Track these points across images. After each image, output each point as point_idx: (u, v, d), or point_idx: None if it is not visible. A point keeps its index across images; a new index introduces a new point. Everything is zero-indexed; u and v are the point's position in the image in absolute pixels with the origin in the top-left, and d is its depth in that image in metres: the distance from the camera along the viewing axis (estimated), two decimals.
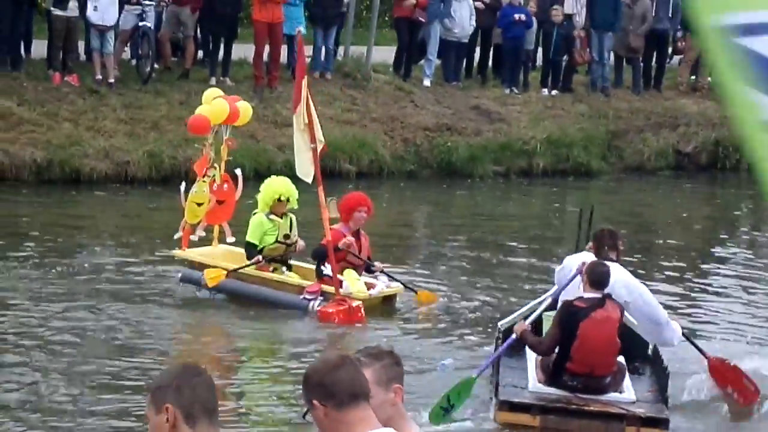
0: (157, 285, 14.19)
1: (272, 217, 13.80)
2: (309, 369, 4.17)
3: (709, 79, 25.78)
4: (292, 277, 13.87)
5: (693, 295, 15.31)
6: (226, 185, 14.32)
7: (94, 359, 11.47)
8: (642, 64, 26.05)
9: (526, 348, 10.75)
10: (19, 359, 11.28)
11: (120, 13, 20.99)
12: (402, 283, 14.05)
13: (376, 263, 13.95)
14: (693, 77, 26.66)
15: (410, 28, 23.77)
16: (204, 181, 14.15)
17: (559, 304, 10.60)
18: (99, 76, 20.94)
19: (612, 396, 10.34)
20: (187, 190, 14.18)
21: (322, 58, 23.00)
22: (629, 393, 10.41)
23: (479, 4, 24.26)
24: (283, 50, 22.35)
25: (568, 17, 24.81)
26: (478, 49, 25.32)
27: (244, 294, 13.69)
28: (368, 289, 13.58)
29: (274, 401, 10.68)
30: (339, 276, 13.34)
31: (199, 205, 14.12)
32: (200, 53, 22.73)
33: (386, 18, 27.76)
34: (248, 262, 13.76)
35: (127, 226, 17.63)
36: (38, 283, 13.83)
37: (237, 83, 21.66)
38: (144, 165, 19.87)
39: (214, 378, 4.11)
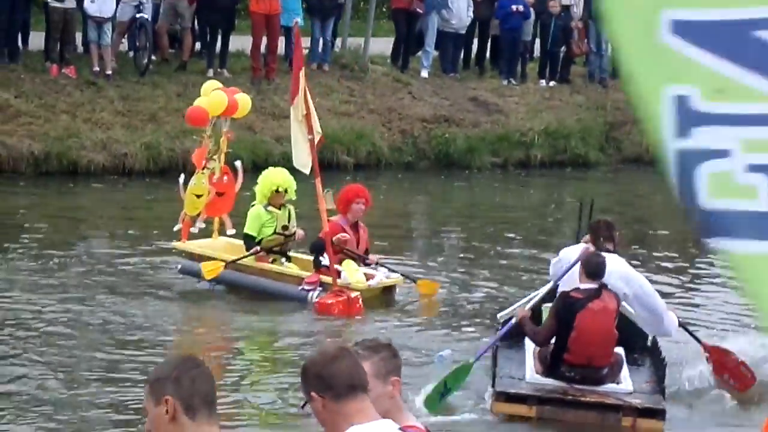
0: (155, 277, 14.19)
1: (270, 208, 13.80)
2: (307, 361, 4.18)
3: None
4: (291, 268, 13.87)
5: (690, 284, 15.33)
6: (225, 177, 14.31)
7: (92, 351, 11.47)
8: None
9: (525, 339, 10.77)
10: (15, 351, 11.28)
11: (117, 4, 20.98)
12: (401, 274, 14.06)
13: (371, 256, 13.94)
14: None
15: (408, 20, 23.76)
16: (203, 173, 14.15)
17: (557, 294, 10.62)
18: (96, 68, 20.93)
19: (609, 387, 10.36)
20: (186, 182, 14.17)
21: (320, 49, 22.99)
22: (626, 384, 10.43)
23: None
24: (281, 42, 22.33)
25: (566, 8, 24.82)
26: (475, 41, 25.31)
27: (244, 285, 13.70)
28: (367, 279, 13.58)
29: (272, 393, 10.69)
30: (338, 266, 13.34)
31: (199, 196, 14.12)
32: (198, 45, 22.71)
33: (384, 9, 27.74)
34: (246, 254, 13.77)
35: (124, 218, 17.63)
36: (35, 275, 13.83)
37: (234, 75, 21.64)
38: (141, 157, 19.86)
39: (213, 370, 4.11)
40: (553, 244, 15.86)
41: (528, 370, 10.57)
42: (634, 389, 10.39)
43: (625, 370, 10.61)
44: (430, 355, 11.54)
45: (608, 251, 10.77)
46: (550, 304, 10.69)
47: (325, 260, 13.40)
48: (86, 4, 20.58)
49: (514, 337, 10.98)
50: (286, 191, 13.78)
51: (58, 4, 20.48)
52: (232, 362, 11.83)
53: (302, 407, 4.18)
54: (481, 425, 10.15)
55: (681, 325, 11.23)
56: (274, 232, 13.82)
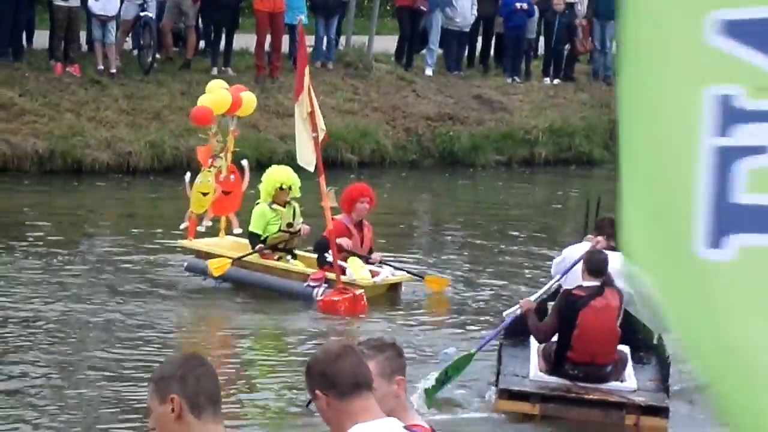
0: (159, 275, 14.19)
1: (275, 206, 13.81)
2: (311, 359, 4.18)
3: None
4: (296, 266, 13.88)
5: None
6: (232, 176, 14.32)
7: (96, 349, 11.48)
8: None
9: (531, 337, 10.77)
10: (20, 349, 11.28)
11: (122, 3, 20.99)
12: (407, 271, 14.07)
13: (374, 255, 13.94)
14: None
15: (412, 18, 23.76)
16: (209, 171, 14.15)
17: (560, 292, 10.63)
18: (101, 67, 20.93)
19: (613, 385, 10.35)
20: (192, 180, 14.18)
21: (324, 47, 22.99)
22: (630, 382, 10.42)
23: None
24: (285, 40, 22.34)
25: (570, 6, 24.81)
26: (480, 38, 25.30)
27: (249, 282, 13.71)
28: (372, 277, 13.60)
29: (277, 391, 10.69)
30: (343, 263, 13.35)
31: (205, 194, 14.12)
32: (202, 43, 22.72)
33: (388, 7, 27.74)
34: (252, 250, 13.78)
35: (129, 217, 17.64)
36: (40, 273, 13.84)
37: (239, 73, 21.65)
38: (146, 155, 19.87)
39: (217, 368, 4.12)
40: (558, 242, 15.86)
41: (532, 367, 10.57)
42: (638, 387, 10.39)
43: (629, 368, 10.61)
44: (434, 353, 11.53)
45: (612, 249, 10.76)
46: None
47: (330, 257, 13.39)
48: (90, 2, 20.59)
49: (519, 335, 10.99)
50: (290, 189, 13.79)
51: (62, 3, 20.49)
52: (237, 361, 11.83)
53: (307, 405, 4.18)
54: (485, 423, 10.15)
55: None
56: (279, 230, 13.84)
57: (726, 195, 2.51)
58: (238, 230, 14.34)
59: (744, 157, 2.51)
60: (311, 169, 13.36)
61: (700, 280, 2.53)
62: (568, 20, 24.65)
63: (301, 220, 14.00)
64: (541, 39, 25.39)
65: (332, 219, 13.37)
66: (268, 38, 21.91)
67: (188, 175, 14.32)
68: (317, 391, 4.07)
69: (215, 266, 13.57)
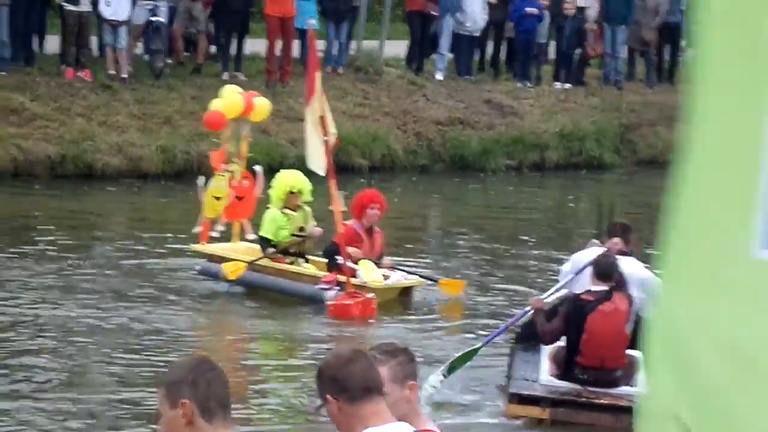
0: (169, 280, 14.20)
1: (286, 211, 13.82)
2: (322, 363, 4.17)
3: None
4: (308, 269, 13.89)
5: None
6: (246, 181, 14.32)
7: (106, 354, 11.49)
8: (655, 57, 26.01)
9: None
10: (30, 353, 11.29)
11: (133, 8, 21.02)
12: (420, 276, 14.08)
13: (384, 260, 13.93)
14: None
15: (422, 22, 23.76)
16: (222, 175, 14.16)
17: (569, 297, 10.64)
18: (112, 72, 20.96)
19: (623, 389, 10.33)
20: (206, 184, 14.19)
21: (335, 52, 23.00)
22: (642, 386, 10.37)
23: None
24: (296, 45, 22.35)
25: (581, 10, 24.78)
26: (490, 43, 25.29)
27: (261, 285, 13.72)
28: (384, 279, 13.62)
29: (287, 396, 10.69)
30: (354, 265, 13.36)
31: (218, 199, 14.13)
32: (213, 48, 22.74)
33: (398, 12, 27.72)
34: (265, 254, 13.79)
35: (139, 221, 17.65)
36: (50, 278, 13.85)
37: (249, 78, 21.66)
38: (157, 160, 19.89)
39: (227, 372, 4.11)
40: (569, 246, 15.83)
41: (542, 372, 10.56)
42: None
43: (641, 373, 10.58)
44: (445, 358, 11.50)
45: (623, 254, 10.75)
46: None
47: (340, 260, 13.38)
48: (101, 7, 20.63)
49: (531, 339, 10.98)
50: (300, 193, 13.80)
51: (73, 8, 20.52)
52: (247, 365, 11.83)
53: (317, 410, 4.18)
54: (495, 428, 10.15)
55: None
56: (291, 235, 13.85)
57: None
58: (251, 236, 14.33)
59: None
60: (321, 173, 13.37)
61: (753, 283, 2.53)
62: (578, 24, 24.62)
63: (314, 223, 14.00)
64: (552, 43, 25.35)
65: (343, 224, 13.37)
66: (279, 43, 21.92)
67: (202, 178, 14.32)
68: (328, 396, 4.07)
69: (230, 269, 13.56)
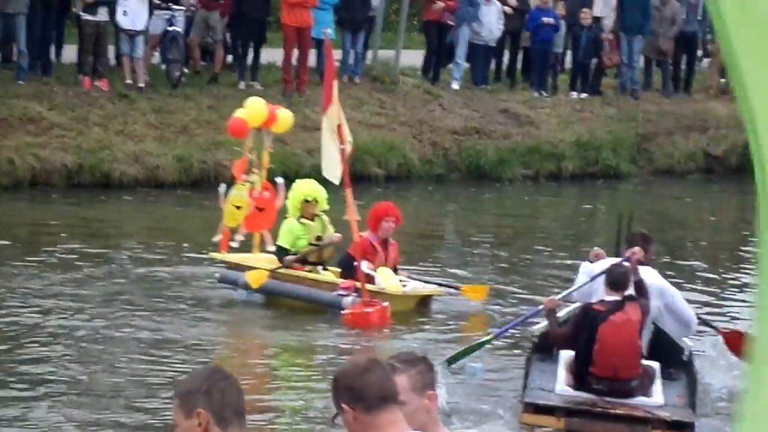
0: (186, 289, 14.21)
1: (303, 220, 13.84)
2: (338, 372, 4.17)
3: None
4: (326, 276, 13.91)
5: (723, 295, 15.28)
6: (266, 193, 14.34)
7: (122, 363, 11.50)
8: (671, 67, 25.99)
9: (560, 352, 10.74)
10: (45, 362, 11.31)
11: (150, 17, 21.08)
12: (439, 284, 14.10)
13: (400, 272, 13.96)
14: (722, 80, 26.54)
15: (439, 32, 23.77)
16: (243, 185, 14.19)
17: (581, 306, 10.66)
18: (129, 81, 21.02)
19: (639, 399, 10.30)
20: (227, 193, 14.22)
21: (351, 61, 23.02)
22: (657, 397, 10.36)
23: (507, 9, 24.24)
24: (312, 54, 22.38)
25: (597, 20, 24.77)
26: (506, 53, 25.30)
27: (279, 292, 13.73)
28: (403, 287, 13.65)
29: (302, 405, 10.69)
30: (372, 272, 13.38)
31: (238, 208, 14.15)
32: (229, 57, 22.79)
33: (415, 22, 27.75)
34: (284, 263, 13.81)
35: (156, 230, 17.68)
36: (67, 287, 13.88)
37: (266, 87, 21.70)
38: (173, 169, 19.92)
39: (242, 381, 4.11)
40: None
41: (558, 382, 10.55)
42: (665, 402, 10.33)
43: (657, 384, 10.54)
44: (461, 367, 11.51)
45: (641, 264, 10.74)
46: None
47: (362, 265, 13.38)
48: (119, 17, 20.68)
49: (547, 350, 10.97)
50: (315, 201, 13.82)
51: (90, 18, 20.59)
52: (262, 374, 11.84)
53: (333, 419, 4.17)
54: None
55: (699, 317, 11.40)
56: (309, 244, 13.87)
57: None
58: (271, 247, 14.32)
59: None
60: (336, 181, 13.39)
61: None
62: (594, 34, 24.61)
63: (332, 230, 14.01)
64: (568, 53, 25.35)
65: (359, 234, 13.40)
66: (296, 52, 21.96)
67: (223, 186, 14.35)
68: (344, 405, 4.06)
69: (254, 278, 13.56)
